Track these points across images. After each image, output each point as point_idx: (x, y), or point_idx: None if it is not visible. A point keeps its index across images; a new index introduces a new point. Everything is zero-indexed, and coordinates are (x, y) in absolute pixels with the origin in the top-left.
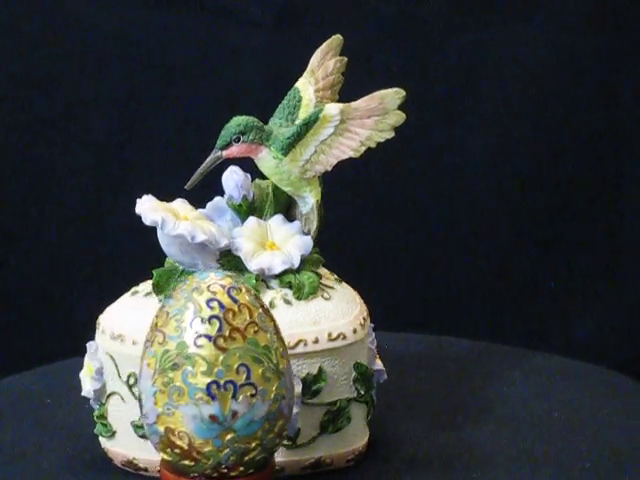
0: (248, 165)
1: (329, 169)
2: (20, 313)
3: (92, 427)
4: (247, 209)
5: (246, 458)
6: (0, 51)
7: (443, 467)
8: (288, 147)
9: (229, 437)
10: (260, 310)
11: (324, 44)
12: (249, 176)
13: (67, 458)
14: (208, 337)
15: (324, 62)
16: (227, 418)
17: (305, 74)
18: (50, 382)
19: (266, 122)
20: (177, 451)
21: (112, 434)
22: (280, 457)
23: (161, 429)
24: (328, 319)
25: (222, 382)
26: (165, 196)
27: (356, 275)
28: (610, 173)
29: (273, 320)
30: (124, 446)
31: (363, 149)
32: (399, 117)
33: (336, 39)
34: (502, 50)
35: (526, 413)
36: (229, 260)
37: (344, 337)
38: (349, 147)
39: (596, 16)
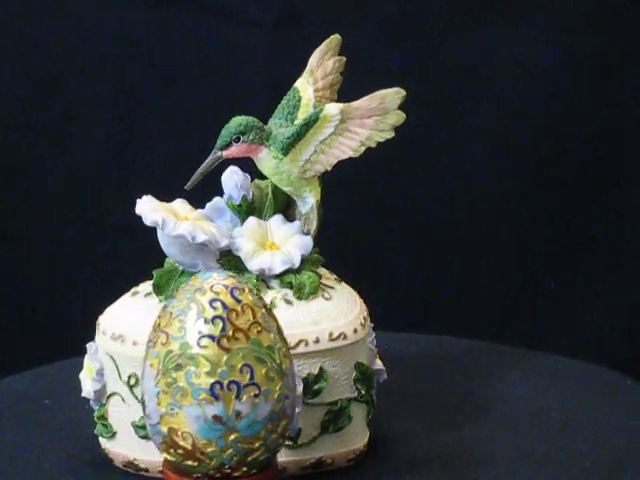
0: (248, 165)
1: (329, 169)
2: (20, 313)
3: (92, 428)
4: (247, 209)
5: (249, 458)
6: (0, 51)
7: (443, 467)
8: (288, 147)
9: (232, 437)
10: (263, 310)
11: (323, 44)
12: (248, 176)
13: (67, 459)
14: (211, 337)
15: (323, 62)
16: (231, 418)
17: (304, 74)
18: (50, 382)
19: (266, 122)
20: (180, 451)
21: (113, 435)
22: (281, 457)
23: (164, 430)
24: (329, 319)
25: (226, 382)
26: (165, 196)
27: (356, 275)
28: (610, 173)
29: (276, 320)
30: (125, 447)
31: (363, 149)
32: (399, 117)
33: (335, 39)
34: (502, 50)
35: (526, 413)
36: (229, 260)
37: (345, 337)
38: (349, 147)
39: (596, 16)
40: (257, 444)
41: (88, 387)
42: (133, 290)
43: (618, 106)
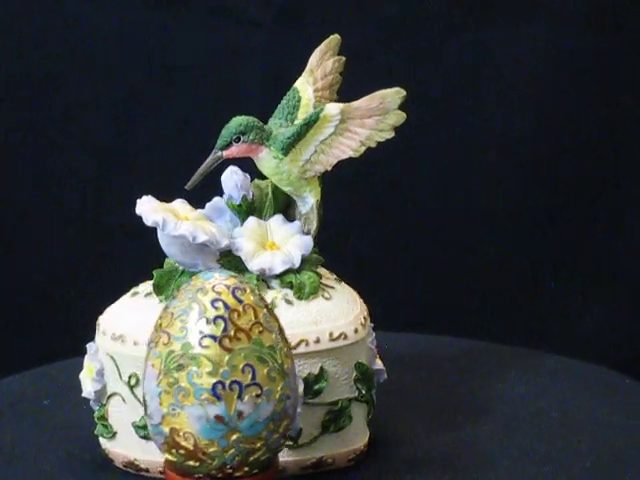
0: (248, 165)
1: (329, 169)
2: (20, 313)
3: (92, 428)
4: (247, 209)
5: (251, 458)
6: (0, 51)
7: (443, 467)
8: (288, 147)
9: (234, 437)
10: (265, 310)
11: (322, 44)
12: (248, 176)
13: (67, 459)
14: (213, 337)
15: (323, 62)
16: (233, 418)
17: (304, 74)
18: (49, 383)
19: (266, 122)
20: (182, 452)
21: (113, 435)
22: (281, 457)
23: (166, 430)
24: (329, 319)
25: (228, 382)
26: (165, 196)
27: (356, 275)
28: (610, 173)
29: (277, 320)
30: (125, 447)
31: (363, 149)
32: (399, 117)
33: (334, 39)
34: (502, 50)
35: (526, 413)
36: (229, 260)
37: (345, 337)
38: (349, 147)
39: (596, 16)
40: (259, 444)
41: (88, 387)
42: (133, 290)
43: (618, 106)
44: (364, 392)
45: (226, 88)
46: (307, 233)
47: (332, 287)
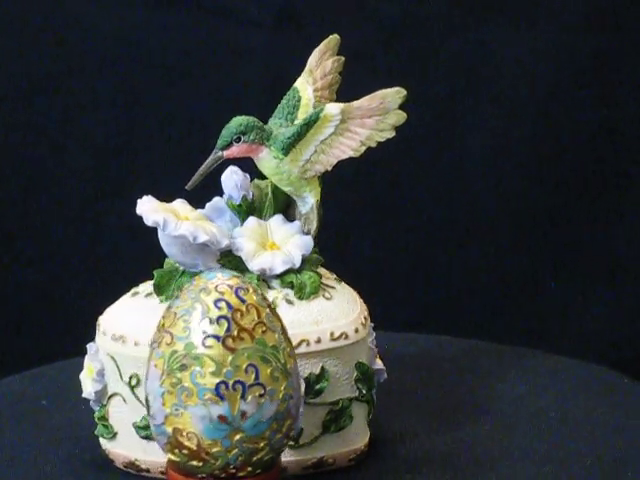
0: (247, 165)
1: (329, 169)
2: (20, 313)
3: (92, 428)
4: (247, 209)
5: (254, 458)
6: (0, 51)
7: (443, 467)
8: (289, 147)
9: (238, 437)
10: (267, 310)
11: (322, 44)
12: (248, 176)
13: (68, 459)
14: (216, 337)
15: (322, 62)
16: (236, 418)
17: (303, 74)
18: (49, 383)
19: (266, 122)
20: (185, 452)
21: (113, 435)
22: (283, 457)
23: (169, 430)
24: (330, 319)
25: (231, 382)
26: (165, 196)
27: (356, 275)
28: (610, 173)
29: (280, 320)
30: (126, 447)
31: (363, 149)
32: (400, 117)
33: (333, 39)
34: (502, 50)
35: (526, 413)
36: (229, 260)
37: (346, 337)
38: (349, 147)
39: (596, 16)
40: (262, 444)
41: (89, 388)
42: (133, 290)
43: (618, 106)
44: (365, 392)
45: (226, 88)
46: (307, 233)
47: (332, 287)
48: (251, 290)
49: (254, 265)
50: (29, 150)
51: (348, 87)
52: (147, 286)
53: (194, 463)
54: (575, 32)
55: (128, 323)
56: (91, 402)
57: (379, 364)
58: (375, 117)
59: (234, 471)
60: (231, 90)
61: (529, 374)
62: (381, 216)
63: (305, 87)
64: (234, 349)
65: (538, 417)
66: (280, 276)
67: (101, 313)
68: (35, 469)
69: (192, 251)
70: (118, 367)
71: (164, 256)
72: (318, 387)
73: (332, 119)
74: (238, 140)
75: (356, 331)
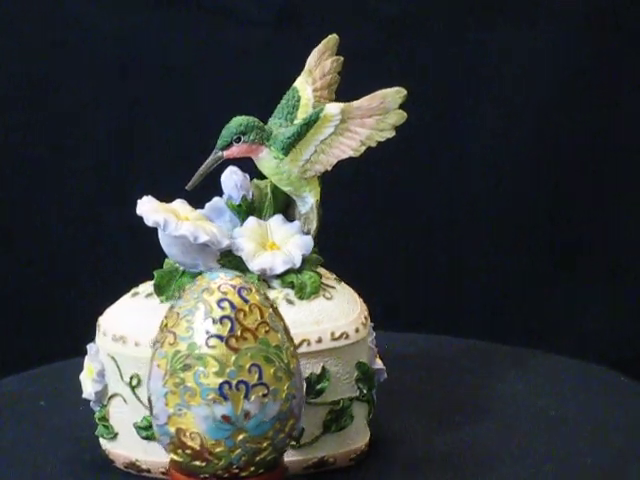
0: (247, 165)
1: (329, 169)
2: (20, 313)
3: (92, 429)
4: (246, 209)
5: (257, 458)
6: (0, 51)
7: (443, 467)
8: (289, 147)
9: (241, 437)
10: (270, 310)
11: (321, 44)
12: (248, 176)
13: (68, 460)
14: (220, 337)
15: (321, 62)
16: (239, 418)
17: (303, 74)
18: (49, 383)
19: (266, 122)
20: (188, 452)
21: (114, 436)
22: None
23: (172, 430)
24: (330, 318)
25: (234, 382)
26: (165, 196)
27: (356, 275)
28: (610, 173)
29: (282, 320)
30: (126, 448)
31: (363, 148)
32: (400, 116)
33: (332, 39)
34: (502, 50)
35: (526, 412)
36: (230, 260)
37: (347, 336)
38: (349, 147)
39: (596, 16)
40: (265, 444)
41: (89, 388)
42: (133, 291)
43: (618, 106)
44: (365, 391)
45: (226, 88)
46: (307, 233)
47: (333, 287)
48: (254, 290)
49: (254, 265)
50: (29, 150)
51: (348, 87)
52: (147, 286)
53: (197, 463)
54: (575, 32)
55: (128, 323)
56: (91, 403)
57: (379, 364)
58: (375, 117)
59: (237, 471)
60: (231, 90)
61: (529, 374)
62: (381, 216)
63: (304, 87)
64: (237, 349)
65: (538, 417)
66: (280, 276)
67: (101, 313)
68: (35, 469)
69: (192, 251)
70: (119, 367)
71: (164, 256)
72: (319, 387)
73: (332, 119)
74: (238, 140)
75: (357, 331)
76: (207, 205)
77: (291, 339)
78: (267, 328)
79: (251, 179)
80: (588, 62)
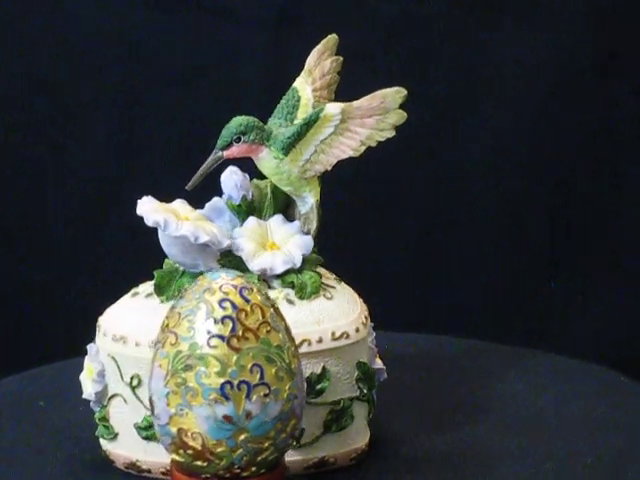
0: (247, 165)
1: (329, 169)
2: (20, 313)
3: (92, 429)
4: (246, 209)
5: (259, 458)
6: (0, 51)
7: (443, 467)
8: (289, 147)
9: (243, 437)
10: (272, 310)
11: (320, 44)
12: (248, 176)
13: (68, 460)
14: (221, 337)
15: (320, 62)
16: (241, 418)
17: (302, 74)
18: (49, 383)
19: (266, 122)
20: (190, 452)
21: (114, 436)
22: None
23: (173, 430)
24: (331, 318)
25: (236, 382)
26: (165, 197)
27: (356, 275)
28: (610, 173)
29: (284, 319)
30: (127, 448)
31: (363, 148)
32: (400, 116)
33: (332, 39)
34: (502, 50)
35: (526, 413)
36: (230, 260)
37: (347, 336)
38: (349, 146)
39: (596, 16)
40: (267, 444)
41: (89, 389)
42: (133, 291)
43: (618, 106)
44: (365, 391)
45: (226, 88)
46: (307, 233)
47: (333, 287)
48: (255, 290)
49: (255, 265)
50: (29, 150)
51: (348, 87)
52: (147, 286)
53: (199, 463)
54: (575, 32)
55: (129, 324)
56: (91, 403)
57: (379, 364)
58: (375, 117)
59: (239, 471)
60: (231, 90)
61: (529, 374)
62: (381, 216)
63: (304, 87)
64: (239, 349)
65: (538, 417)
66: (281, 276)
67: (101, 313)
68: (35, 469)
69: (193, 251)
70: (119, 368)
71: (164, 256)
72: (320, 387)
73: (332, 119)
74: (238, 140)
75: (357, 331)
76: (207, 205)
77: (292, 339)
78: (268, 328)
79: (251, 179)
80: (588, 62)
